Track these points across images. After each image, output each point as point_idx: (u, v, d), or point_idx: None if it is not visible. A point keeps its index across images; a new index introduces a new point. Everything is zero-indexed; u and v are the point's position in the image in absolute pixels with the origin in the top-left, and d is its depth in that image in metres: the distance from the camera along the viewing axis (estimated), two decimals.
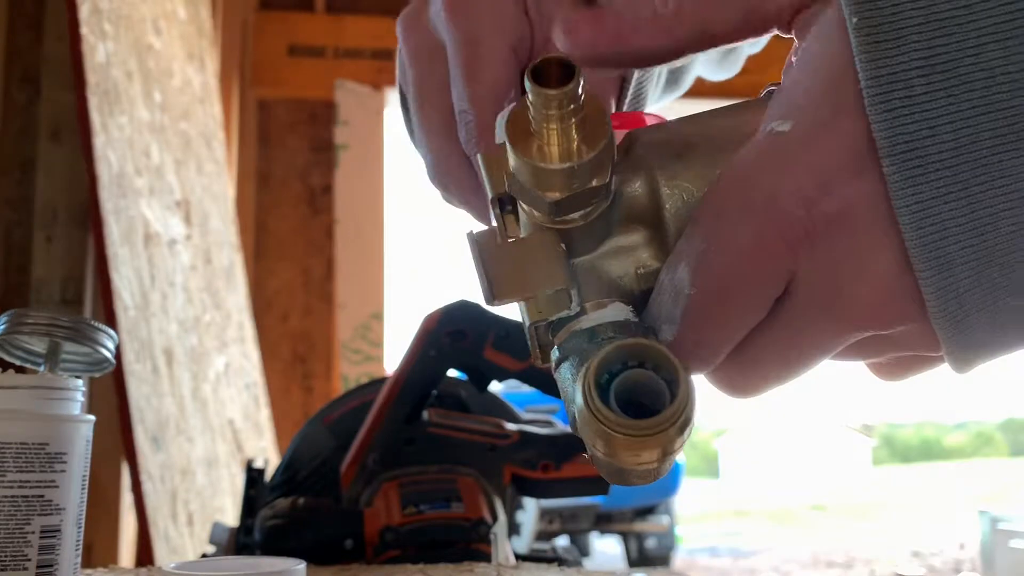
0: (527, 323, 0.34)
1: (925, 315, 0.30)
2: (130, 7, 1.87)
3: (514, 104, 0.32)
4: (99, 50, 1.63)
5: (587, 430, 0.30)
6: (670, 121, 0.36)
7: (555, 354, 0.33)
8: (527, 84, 0.29)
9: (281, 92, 3.54)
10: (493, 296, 0.33)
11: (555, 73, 0.29)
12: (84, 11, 1.57)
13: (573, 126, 0.30)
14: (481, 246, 0.34)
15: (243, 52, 3.36)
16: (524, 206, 0.33)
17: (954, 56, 0.27)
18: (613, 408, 0.29)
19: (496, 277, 0.33)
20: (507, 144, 0.31)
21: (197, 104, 2.42)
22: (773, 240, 0.30)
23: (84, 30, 1.55)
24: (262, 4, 3.56)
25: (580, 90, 0.29)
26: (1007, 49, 0.27)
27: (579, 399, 0.30)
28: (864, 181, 0.29)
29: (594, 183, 0.31)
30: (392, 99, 3.59)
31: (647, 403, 0.30)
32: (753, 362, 0.33)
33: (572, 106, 0.29)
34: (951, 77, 0.27)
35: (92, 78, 1.56)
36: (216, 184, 2.50)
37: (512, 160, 0.32)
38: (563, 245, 0.33)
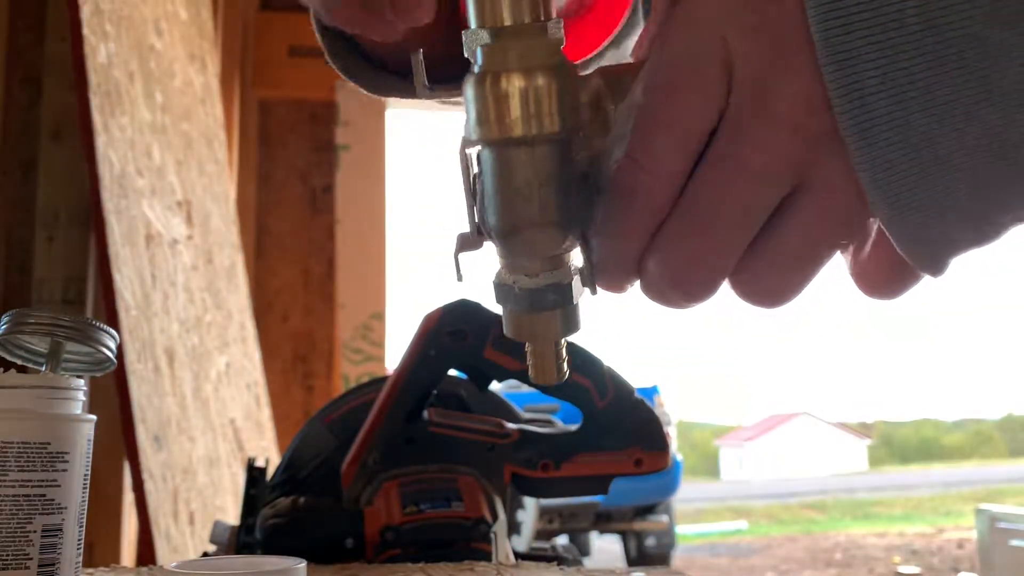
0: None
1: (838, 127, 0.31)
2: (131, 8, 1.88)
3: None
4: (101, 51, 1.63)
5: (472, 99, 0.34)
6: None
7: None
8: None
9: (282, 92, 3.54)
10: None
11: None
12: (86, 12, 1.57)
13: None
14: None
15: (244, 53, 3.36)
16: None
17: None
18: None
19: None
20: None
21: (198, 105, 2.42)
22: (711, 28, 0.32)
23: (86, 31, 1.56)
24: (263, 5, 3.56)
25: None
26: None
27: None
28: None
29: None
30: (392, 99, 3.59)
31: None
32: (700, 207, 0.33)
33: None
34: None
35: (94, 79, 1.56)
36: (217, 184, 2.51)
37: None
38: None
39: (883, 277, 0.36)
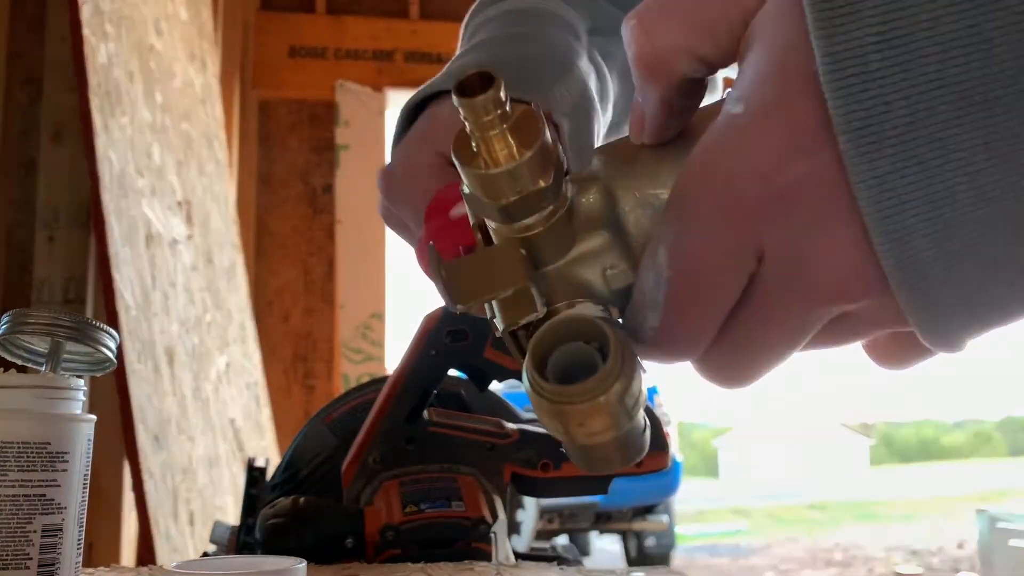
0: (499, 330, 0.36)
1: (888, 289, 0.30)
2: (132, 8, 1.88)
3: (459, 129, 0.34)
4: (101, 51, 1.63)
5: (536, 410, 0.32)
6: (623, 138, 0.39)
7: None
8: (455, 100, 0.31)
9: (282, 93, 3.55)
10: (453, 300, 0.35)
11: (477, 84, 0.31)
12: (86, 12, 1.57)
13: (507, 132, 0.32)
14: (440, 258, 0.36)
15: (244, 53, 3.36)
16: (490, 224, 0.35)
17: (909, 30, 0.27)
18: (548, 379, 0.31)
19: (455, 283, 0.35)
20: (456, 163, 0.33)
21: (198, 105, 2.42)
22: (735, 217, 0.31)
23: (86, 31, 1.56)
24: (263, 5, 3.56)
25: (502, 95, 0.31)
26: (960, 23, 0.27)
27: (524, 380, 0.32)
28: (819, 157, 0.30)
29: (540, 184, 0.33)
30: (392, 99, 3.60)
31: (585, 376, 0.32)
32: (735, 347, 0.34)
33: (499, 111, 0.31)
34: (906, 52, 0.28)
35: (94, 79, 1.56)
36: (217, 184, 2.51)
37: (463, 176, 0.33)
38: (524, 251, 0.35)
39: (898, 355, 0.37)
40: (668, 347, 0.34)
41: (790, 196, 0.30)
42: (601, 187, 0.36)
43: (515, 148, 0.32)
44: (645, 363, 0.36)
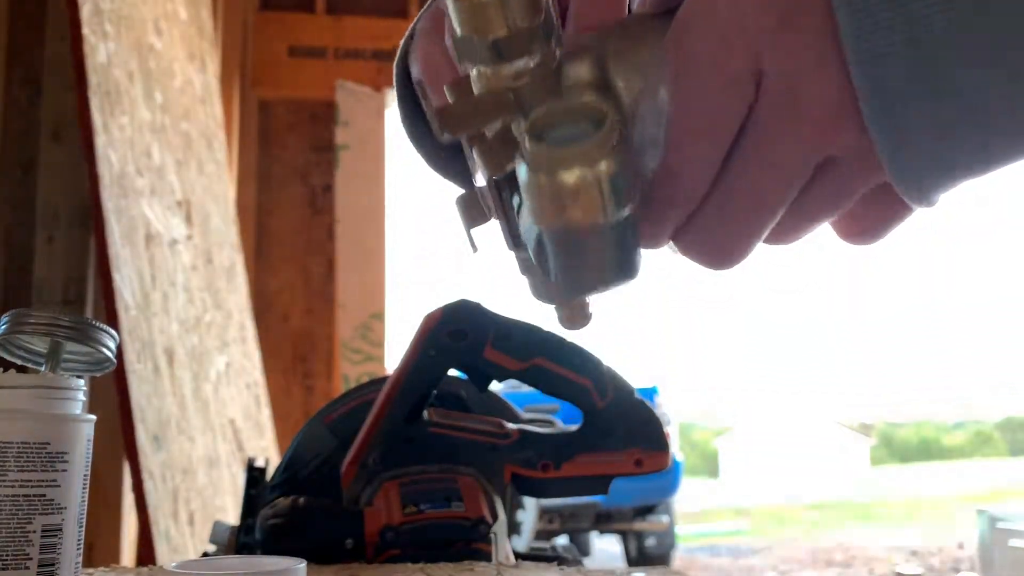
0: (487, 175, 0.36)
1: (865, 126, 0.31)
2: (131, 8, 1.87)
3: None
4: (100, 51, 1.63)
5: (530, 189, 0.32)
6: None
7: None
8: None
9: (282, 92, 3.55)
10: (441, 128, 0.35)
11: None
12: (85, 12, 1.57)
13: None
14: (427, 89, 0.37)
15: (244, 53, 3.36)
16: (473, 69, 0.35)
17: None
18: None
19: (445, 112, 0.35)
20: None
21: (198, 104, 2.42)
22: (736, 42, 0.32)
23: (85, 31, 1.56)
24: (262, 5, 3.56)
25: None
26: None
27: (522, 157, 0.32)
28: None
29: (529, 22, 0.33)
30: (392, 99, 3.59)
31: None
32: (729, 197, 0.34)
33: None
34: None
35: (93, 78, 1.56)
36: (217, 184, 2.51)
37: (453, 14, 0.33)
38: (511, 95, 0.35)
39: (869, 220, 0.37)
40: (667, 189, 0.34)
41: (790, 21, 0.31)
42: (593, 55, 0.36)
43: None
44: (654, 217, 0.35)
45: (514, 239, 0.38)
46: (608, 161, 0.31)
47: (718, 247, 0.35)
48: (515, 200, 0.37)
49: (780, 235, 0.37)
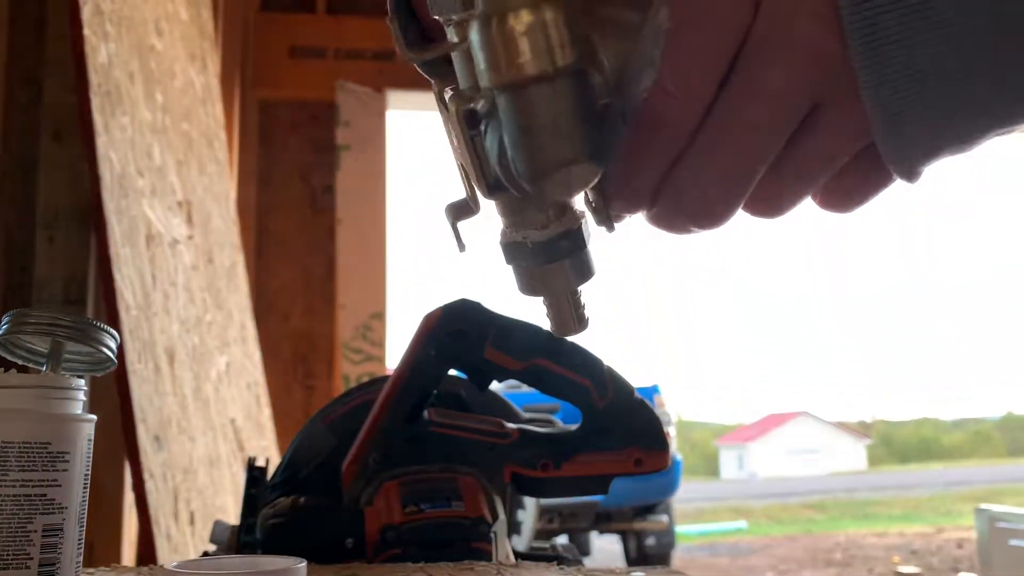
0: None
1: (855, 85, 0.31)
2: (132, 8, 1.88)
3: None
4: (101, 51, 1.63)
5: (481, 45, 0.33)
6: None
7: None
8: None
9: (282, 93, 3.55)
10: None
11: None
12: (86, 12, 1.57)
13: None
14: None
15: (244, 53, 3.36)
16: None
17: None
18: None
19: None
20: None
21: (199, 105, 2.42)
22: None
23: (86, 31, 1.56)
24: (263, 5, 3.56)
25: None
26: None
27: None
28: None
29: None
30: (393, 100, 3.60)
31: None
32: (719, 132, 0.34)
33: None
34: None
35: (94, 79, 1.56)
36: (218, 184, 2.51)
37: None
38: None
39: (850, 187, 0.37)
40: (660, 108, 0.34)
41: None
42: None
43: None
44: (644, 146, 0.35)
45: (486, 179, 0.37)
46: (550, 9, 0.32)
47: (702, 197, 0.35)
48: (487, 142, 0.36)
49: (766, 202, 0.36)
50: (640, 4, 0.35)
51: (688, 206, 0.35)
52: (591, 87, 0.34)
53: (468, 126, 0.36)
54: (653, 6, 0.34)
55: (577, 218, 0.37)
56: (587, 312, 0.40)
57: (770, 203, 0.36)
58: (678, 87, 0.33)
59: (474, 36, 0.33)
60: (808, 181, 0.36)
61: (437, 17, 0.36)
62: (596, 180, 0.35)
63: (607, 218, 0.37)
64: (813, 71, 0.32)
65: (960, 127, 0.32)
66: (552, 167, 0.34)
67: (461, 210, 0.38)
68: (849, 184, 0.37)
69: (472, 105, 0.35)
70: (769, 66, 0.33)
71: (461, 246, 0.39)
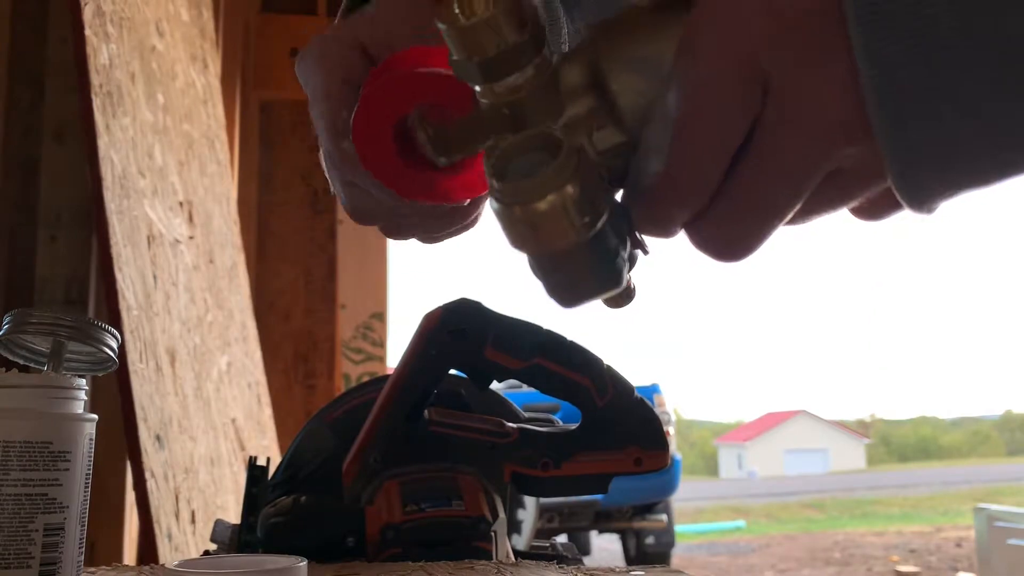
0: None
1: (872, 137, 0.31)
2: (133, 9, 1.88)
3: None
4: (102, 52, 1.63)
5: (500, 222, 0.33)
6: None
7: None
8: None
9: (283, 94, 3.55)
10: (438, 154, 0.36)
11: None
12: (88, 13, 1.57)
13: None
14: (422, 116, 0.38)
15: (245, 54, 3.36)
16: (476, 88, 0.36)
17: None
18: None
19: (441, 138, 0.37)
20: (438, 23, 0.34)
21: (200, 106, 2.42)
22: (744, 49, 0.32)
23: (88, 32, 1.56)
24: (264, 7, 3.57)
25: None
26: None
27: (490, 197, 0.33)
28: None
29: (518, 37, 0.34)
30: None
31: None
32: (737, 197, 0.34)
33: None
34: None
35: (96, 80, 1.56)
36: (219, 185, 2.51)
37: (447, 38, 0.35)
38: (507, 111, 0.36)
39: (874, 211, 0.37)
40: (673, 192, 0.34)
41: (798, 28, 0.31)
42: (585, 55, 0.36)
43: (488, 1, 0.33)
44: (649, 234, 0.36)
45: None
46: (570, 186, 0.32)
47: (727, 243, 0.35)
48: None
49: (787, 223, 0.37)
50: (657, 44, 0.35)
51: (710, 249, 0.36)
52: (610, 236, 0.35)
53: None
54: (650, 84, 0.34)
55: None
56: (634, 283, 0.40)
57: (788, 223, 0.37)
58: (688, 176, 0.34)
59: (495, 213, 0.34)
60: (825, 214, 0.36)
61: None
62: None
63: (640, 242, 0.38)
64: (829, 150, 0.32)
65: (981, 176, 0.32)
66: (577, 301, 0.36)
67: None
68: (873, 202, 0.37)
69: None
70: (783, 149, 0.33)
71: None
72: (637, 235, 0.37)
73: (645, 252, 0.38)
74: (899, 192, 0.32)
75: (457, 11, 0.34)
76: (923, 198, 0.32)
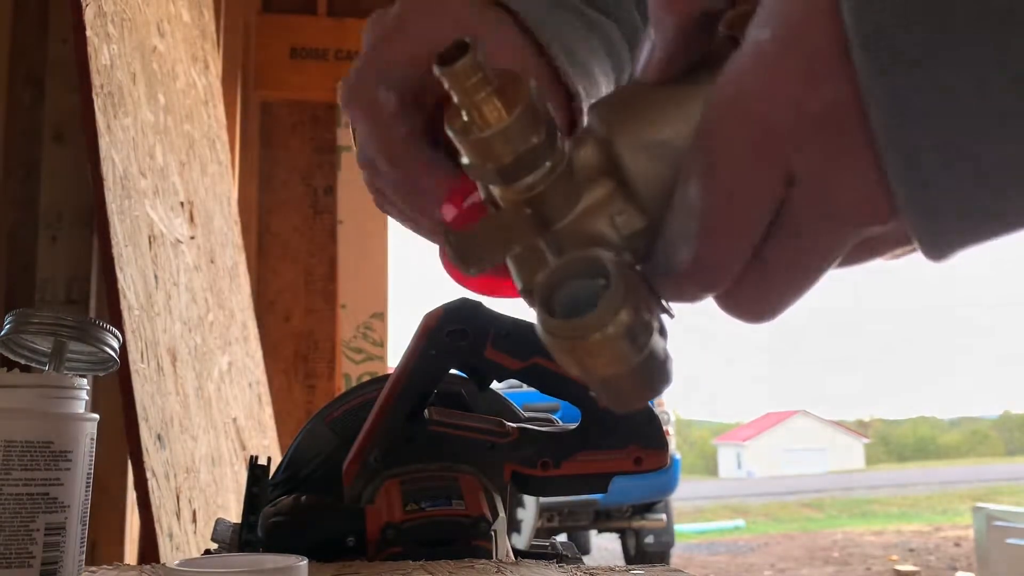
0: (520, 287, 0.37)
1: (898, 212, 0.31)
2: (134, 10, 1.88)
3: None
4: (103, 52, 1.63)
5: (551, 350, 0.33)
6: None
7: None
8: (436, 70, 0.32)
9: (284, 94, 3.55)
10: (465, 264, 0.35)
11: (456, 54, 0.32)
12: (88, 13, 1.57)
13: (493, 95, 0.33)
14: (448, 228, 0.37)
15: (246, 54, 3.36)
16: (492, 191, 0.36)
17: None
18: (555, 315, 0.32)
19: (465, 247, 0.36)
20: (451, 135, 0.34)
21: (201, 106, 2.43)
22: (767, 143, 0.31)
23: (88, 32, 1.56)
24: (264, 7, 3.57)
25: (479, 59, 0.32)
26: None
27: (536, 325, 0.33)
28: (843, 80, 0.30)
29: (533, 141, 0.33)
30: None
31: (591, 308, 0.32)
32: (764, 275, 0.34)
33: (481, 74, 0.32)
34: None
35: (96, 80, 1.56)
36: (220, 185, 2.51)
37: (460, 147, 0.34)
38: (529, 210, 0.35)
39: (881, 252, 0.37)
40: (701, 278, 0.34)
41: (821, 121, 0.30)
42: (596, 139, 0.36)
43: (503, 109, 0.33)
44: (673, 303, 0.36)
45: None
46: (624, 312, 0.31)
47: (756, 312, 0.36)
48: None
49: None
50: (671, 121, 0.35)
51: (738, 316, 0.36)
52: (660, 342, 0.34)
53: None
54: (680, 181, 0.34)
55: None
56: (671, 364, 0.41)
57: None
58: (713, 264, 0.34)
59: (545, 341, 0.33)
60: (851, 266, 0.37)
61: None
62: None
63: (664, 308, 0.38)
64: (857, 234, 0.32)
65: (1000, 232, 0.32)
66: (635, 405, 0.36)
67: None
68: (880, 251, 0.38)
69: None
70: (810, 236, 0.33)
71: None
72: (663, 302, 0.37)
73: (671, 316, 0.37)
74: (927, 254, 0.32)
75: (470, 125, 0.33)
76: (947, 252, 0.32)
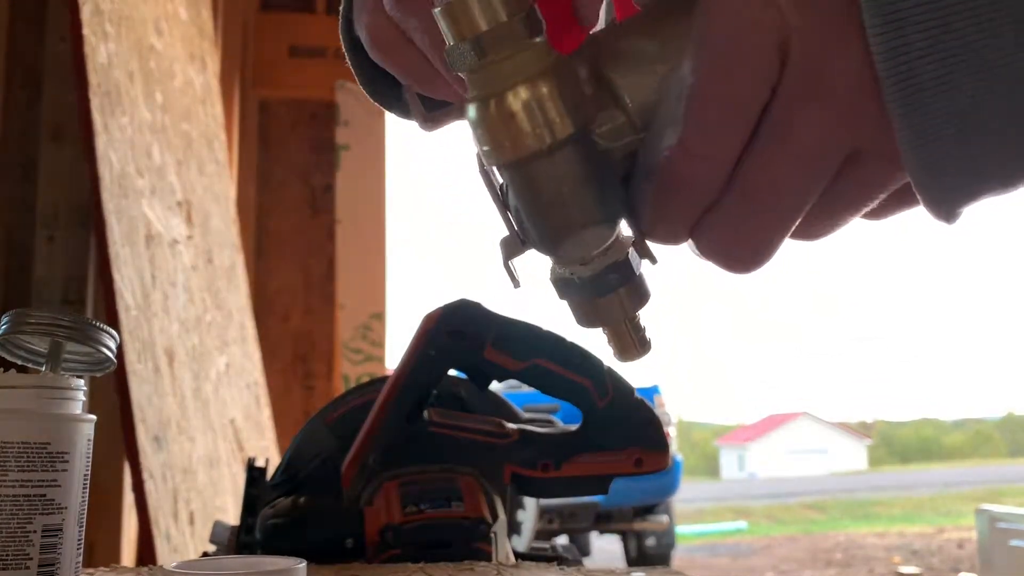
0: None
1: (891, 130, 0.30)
2: (132, 8, 1.88)
3: None
4: (101, 51, 1.63)
5: (469, 108, 0.34)
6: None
7: None
8: None
9: (282, 93, 3.55)
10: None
11: None
12: (86, 12, 1.57)
13: None
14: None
15: (244, 53, 3.36)
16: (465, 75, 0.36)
17: None
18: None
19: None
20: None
21: (198, 105, 2.42)
22: (764, 14, 0.31)
23: (86, 31, 1.56)
24: (263, 5, 3.57)
25: None
26: None
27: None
28: None
29: (514, 13, 0.33)
30: None
31: None
32: (747, 198, 0.33)
33: None
34: None
35: (94, 79, 1.56)
36: (217, 184, 2.51)
37: (438, 17, 0.34)
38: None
39: (886, 211, 0.37)
40: (685, 169, 0.33)
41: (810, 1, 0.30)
42: (587, 52, 0.36)
43: None
44: (653, 232, 0.35)
45: (517, 235, 0.37)
46: (545, 77, 0.32)
47: (740, 245, 0.34)
48: (510, 204, 0.37)
49: (802, 233, 0.36)
50: (658, 32, 0.35)
51: (720, 253, 0.35)
52: (592, 148, 0.34)
53: (493, 183, 0.37)
54: (675, 66, 0.33)
55: (624, 248, 0.37)
56: (648, 334, 0.39)
57: (803, 234, 0.36)
58: (702, 148, 0.33)
59: (471, 117, 0.33)
60: (843, 219, 0.35)
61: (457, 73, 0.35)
62: (613, 238, 0.35)
63: (647, 251, 0.37)
64: (847, 124, 0.31)
65: (1004, 171, 0.31)
66: (562, 236, 0.34)
67: (512, 247, 0.38)
68: (883, 202, 0.36)
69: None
70: (800, 124, 0.32)
71: (515, 283, 0.39)
72: (646, 245, 0.37)
73: (653, 262, 0.37)
74: (913, 170, 0.31)
75: None
76: (940, 179, 0.31)
